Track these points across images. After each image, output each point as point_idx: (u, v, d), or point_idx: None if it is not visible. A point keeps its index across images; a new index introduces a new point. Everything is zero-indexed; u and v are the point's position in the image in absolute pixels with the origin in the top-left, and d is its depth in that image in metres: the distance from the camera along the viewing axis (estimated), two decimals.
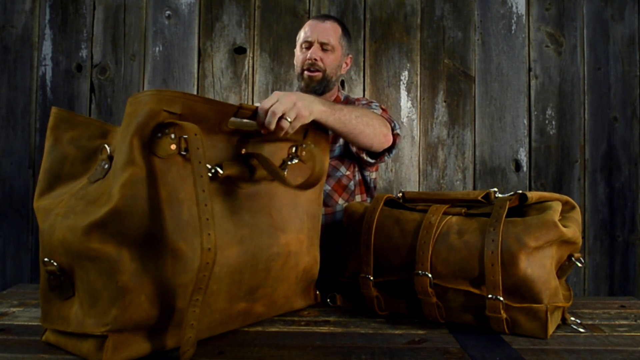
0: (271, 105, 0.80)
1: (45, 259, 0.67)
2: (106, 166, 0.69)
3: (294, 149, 0.88)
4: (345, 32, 1.38)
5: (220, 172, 0.73)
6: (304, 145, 0.90)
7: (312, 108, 0.87)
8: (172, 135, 0.67)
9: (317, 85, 1.32)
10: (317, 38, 1.30)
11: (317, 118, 0.89)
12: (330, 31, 1.32)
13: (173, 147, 0.68)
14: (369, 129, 1.05)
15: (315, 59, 1.30)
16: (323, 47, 1.31)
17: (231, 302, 0.75)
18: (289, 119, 0.81)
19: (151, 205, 0.65)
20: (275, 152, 0.86)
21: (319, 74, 1.31)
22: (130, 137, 0.65)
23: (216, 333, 0.76)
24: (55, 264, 0.66)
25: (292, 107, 0.82)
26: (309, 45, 1.32)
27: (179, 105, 0.67)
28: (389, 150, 1.22)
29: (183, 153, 0.70)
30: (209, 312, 0.72)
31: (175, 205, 0.68)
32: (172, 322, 0.69)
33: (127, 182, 0.63)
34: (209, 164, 0.73)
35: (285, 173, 0.85)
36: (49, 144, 0.73)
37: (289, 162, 0.87)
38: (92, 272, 0.64)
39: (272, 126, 0.80)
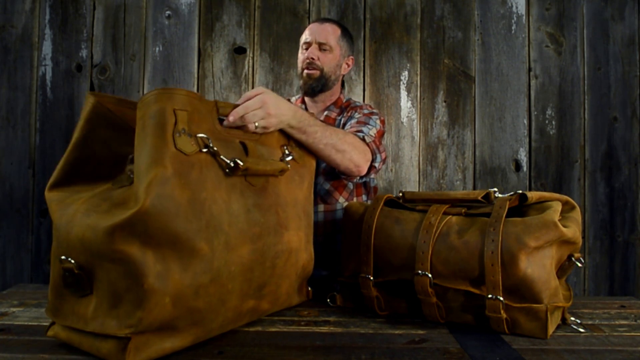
0: (247, 109, 0.85)
1: (63, 257, 0.66)
2: (132, 175, 0.68)
3: (284, 148, 0.91)
4: (345, 33, 1.42)
5: (241, 163, 0.74)
6: (291, 146, 0.94)
7: (281, 119, 0.90)
8: (189, 135, 0.68)
9: (315, 82, 1.36)
10: (315, 39, 1.37)
11: (284, 129, 0.93)
12: (328, 32, 1.38)
13: (193, 144, 0.68)
14: (337, 155, 1.06)
15: (313, 58, 1.35)
16: (321, 47, 1.37)
17: (242, 300, 0.76)
18: (257, 125, 0.85)
19: (177, 204, 0.65)
20: (272, 153, 0.88)
21: (316, 72, 1.36)
22: (150, 138, 0.64)
23: (226, 330, 0.77)
24: (72, 261, 0.65)
25: (265, 116, 0.86)
26: (307, 46, 1.39)
27: (182, 102, 0.68)
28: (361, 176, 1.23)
29: (204, 150, 0.70)
30: (223, 310, 0.73)
31: (197, 205, 0.68)
32: (191, 322, 0.69)
33: (152, 182, 0.63)
34: (226, 157, 0.73)
35: (289, 167, 0.88)
36: (80, 135, 0.72)
37: (286, 159, 0.90)
38: (114, 273, 0.63)
39: (238, 123, 0.84)
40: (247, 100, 0.85)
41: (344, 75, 1.46)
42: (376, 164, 1.23)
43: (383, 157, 1.26)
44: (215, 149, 0.72)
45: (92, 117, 0.72)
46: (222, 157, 0.73)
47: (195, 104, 0.71)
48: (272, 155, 0.87)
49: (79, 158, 0.72)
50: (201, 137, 0.71)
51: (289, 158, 0.90)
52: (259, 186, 0.81)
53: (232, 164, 0.74)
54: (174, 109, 0.67)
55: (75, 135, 0.72)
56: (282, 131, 0.94)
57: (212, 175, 0.72)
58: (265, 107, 0.86)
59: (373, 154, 1.21)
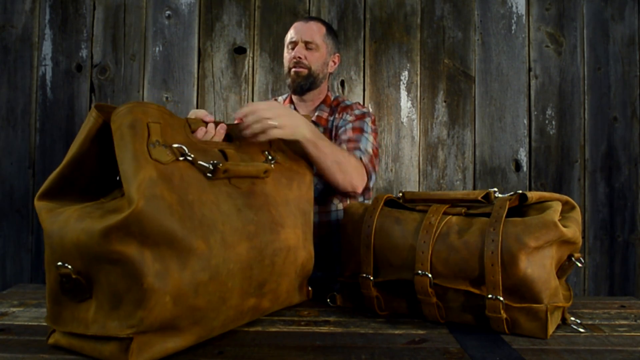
0: (260, 110, 0.88)
1: (59, 263, 0.65)
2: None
3: (266, 153, 0.92)
4: (330, 31, 1.42)
5: (220, 164, 0.75)
6: (274, 150, 0.94)
7: (297, 127, 0.95)
8: (164, 146, 0.69)
9: (303, 81, 1.36)
10: (301, 38, 1.36)
11: (300, 140, 0.97)
12: (313, 30, 1.37)
13: (169, 154, 0.69)
14: (340, 175, 1.11)
15: (300, 57, 1.35)
16: (307, 45, 1.36)
17: (243, 298, 0.76)
18: (276, 124, 0.88)
19: (169, 204, 0.65)
20: (253, 158, 0.88)
21: (304, 70, 1.36)
22: (130, 144, 0.65)
23: (228, 329, 0.77)
24: (69, 267, 0.65)
25: (280, 116, 0.89)
26: (294, 45, 1.38)
27: (155, 115, 0.69)
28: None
29: (181, 159, 0.71)
30: (225, 309, 0.73)
31: (187, 206, 0.68)
32: (192, 321, 0.69)
33: (142, 184, 0.63)
34: (204, 162, 0.74)
35: (272, 166, 0.88)
36: (78, 152, 0.70)
37: (271, 163, 0.90)
38: (113, 275, 0.63)
39: (257, 127, 0.87)
40: (249, 114, 0.88)
41: (331, 73, 1.46)
42: (370, 184, 1.26)
43: (375, 176, 1.29)
44: (192, 156, 0.73)
45: (92, 136, 0.71)
46: (200, 162, 0.73)
47: (167, 118, 0.72)
48: (254, 161, 0.88)
49: (73, 174, 0.72)
50: (177, 147, 0.71)
51: (272, 161, 0.90)
52: (245, 189, 0.81)
53: (211, 167, 0.74)
54: (147, 122, 0.67)
55: (73, 150, 0.71)
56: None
57: (194, 181, 0.72)
58: (279, 119, 0.89)
59: (368, 174, 1.24)
